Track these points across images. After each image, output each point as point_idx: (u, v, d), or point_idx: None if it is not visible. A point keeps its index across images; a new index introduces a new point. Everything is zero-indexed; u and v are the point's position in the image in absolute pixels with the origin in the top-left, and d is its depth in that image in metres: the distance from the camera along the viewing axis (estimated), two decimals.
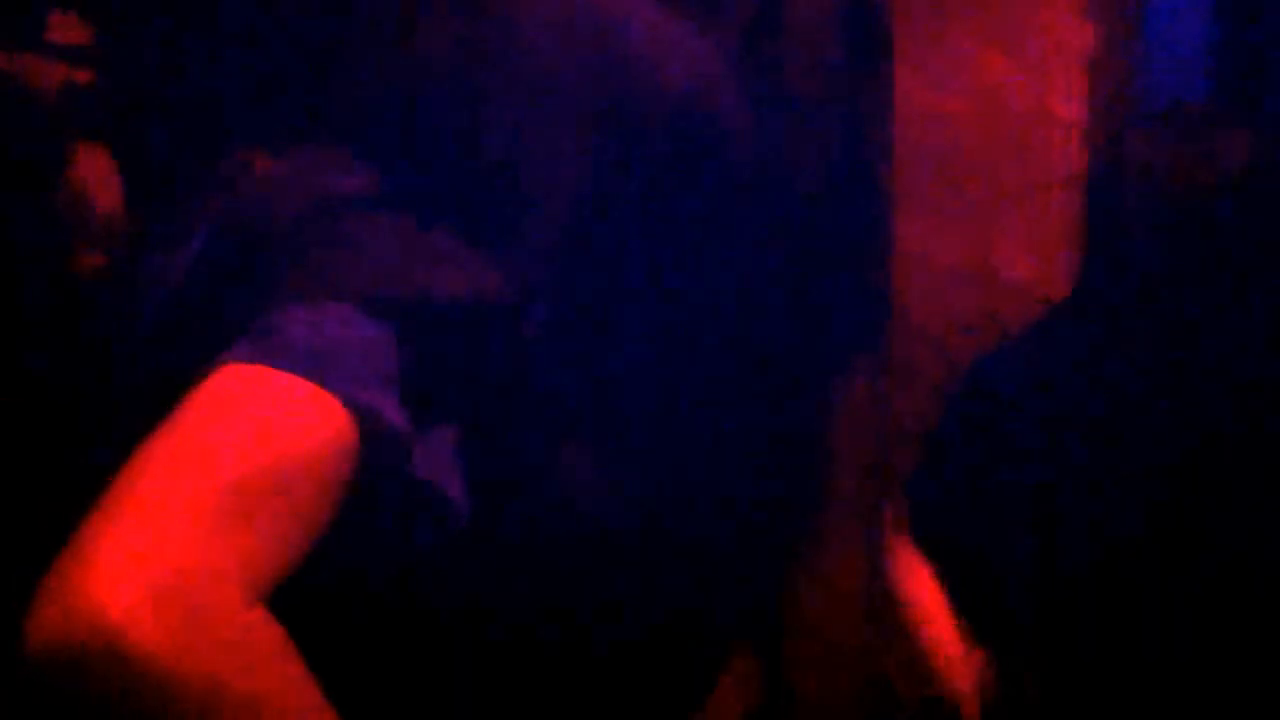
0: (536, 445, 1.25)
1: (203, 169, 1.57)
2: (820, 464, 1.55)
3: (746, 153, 1.34)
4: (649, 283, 1.30)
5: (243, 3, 1.44)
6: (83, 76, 2.36)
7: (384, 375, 1.18)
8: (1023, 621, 2.06)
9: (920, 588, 2.10)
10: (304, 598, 1.14)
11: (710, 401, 1.33)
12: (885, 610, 2.12)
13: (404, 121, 1.31)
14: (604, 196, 1.28)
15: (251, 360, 1.15)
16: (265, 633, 1.10)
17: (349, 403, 1.15)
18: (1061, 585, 2.03)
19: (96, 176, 2.16)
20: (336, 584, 1.18)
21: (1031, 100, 2.70)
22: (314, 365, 1.16)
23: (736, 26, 1.46)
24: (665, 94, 1.30)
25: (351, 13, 1.36)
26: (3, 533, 1.35)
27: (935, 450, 2.13)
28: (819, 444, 1.51)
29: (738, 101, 1.34)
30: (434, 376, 1.20)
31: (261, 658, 1.10)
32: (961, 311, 2.37)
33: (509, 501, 1.23)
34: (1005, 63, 2.72)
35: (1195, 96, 3.33)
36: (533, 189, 1.27)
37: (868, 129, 2.12)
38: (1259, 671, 1.95)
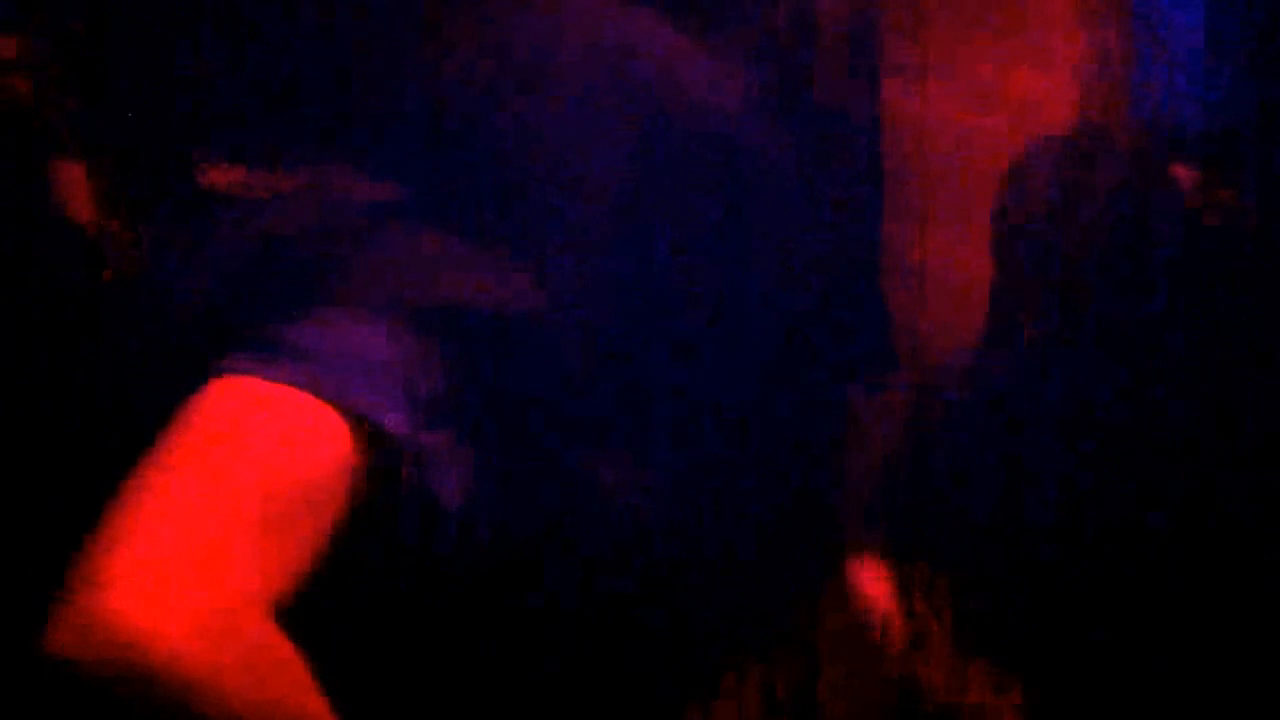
0: (560, 449, 1.25)
1: (219, 178, 1.58)
2: (846, 471, 1.54)
3: (770, 164, 1.34)
4: (675, 291, 1.30)
5: (266, 12, 1.45)
6: (23, 86, 2.37)
7: (390, 381, 1.17)
8: (1015, 625, 2.06)
9: (872, 581, 2.11)
10: (304, 602, 1.14)
11: (739, 407, 1.33)
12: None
13: (428, 131, 1.32)
14: (629, 207, 1.28)
15: (259, 372, 1.15)
16: (286, 651, 1.11)
17: (351, 414, 1.15)
18: (1060, 595, 2.03)
19: (69, 188, 2.17)
20: (336, 588, 1.17)
21: (1063, 115, 2.71)
22: (319, 377, 1.15)
23: (764, 36, 1.47)
24: (688, 106, 1.31)
25: (377, 23, 1.37)
26: (16, 535, 1.36)
27: (943, 455, 2.14)
28: (845, 451, 1.51)
29: (761, 114, 1.35)
30: (445, 382, 1.20)
31: (284, 676, 1.10)
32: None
33: (535, 507, 1.24)
34: (1037, 78, 2.74)
35: (1219, 114, 3.35)
36: (558, 199, 1.27)
37: (881, 136, 2.14)
38: (1246, 669, 1.96)
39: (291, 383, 1.14)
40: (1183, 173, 2.87)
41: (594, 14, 1.33)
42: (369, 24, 1.39)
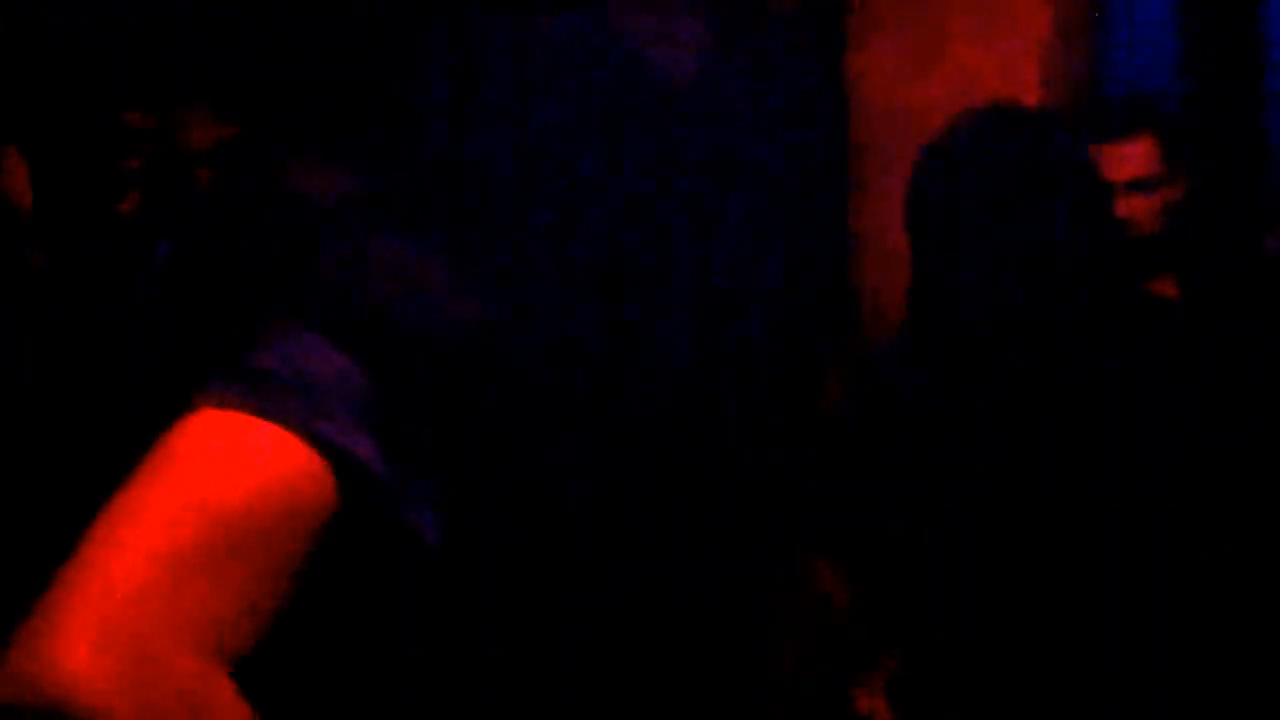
0: (521, 458, 1.24)
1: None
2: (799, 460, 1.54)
3: (748, 147, 1.33)
4: (652, 284, 1.29)
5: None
6: None
7: (356, 410, 1.16)
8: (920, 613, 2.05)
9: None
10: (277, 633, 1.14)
11: (711, 399, 1.33)
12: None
13: (424, 126, 1.29)
14: (615, 198, 1.27)
15: (224, 404, 1.13)
16: (224, 698, 1.11)
17: (324, 448, 1.13)
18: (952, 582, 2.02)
19: (8, 177, 2.17)
20: (308, 621, 1.17)
21: (1005, 90, 2.72)
22: (289, 409, 1.14)
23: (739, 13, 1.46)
24: (672, 92, 1.30)
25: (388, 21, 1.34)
26: None
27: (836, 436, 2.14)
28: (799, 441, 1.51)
29: (739, 92, 1.34)
30: (412, 409, 1.18)
31: None
32: None
33: (505, 519, 1.23)
34: (975, 53, 2.75)
35: (1157, 84, 3.38)
36: (534, 198, 1.26)
37: (833, 111, 2.12)
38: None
39: (268, 415, 1.12)
40: (1141, 148, 2.89)
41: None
42: (381, 22, 1.36)
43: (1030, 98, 2.76)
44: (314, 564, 1.13)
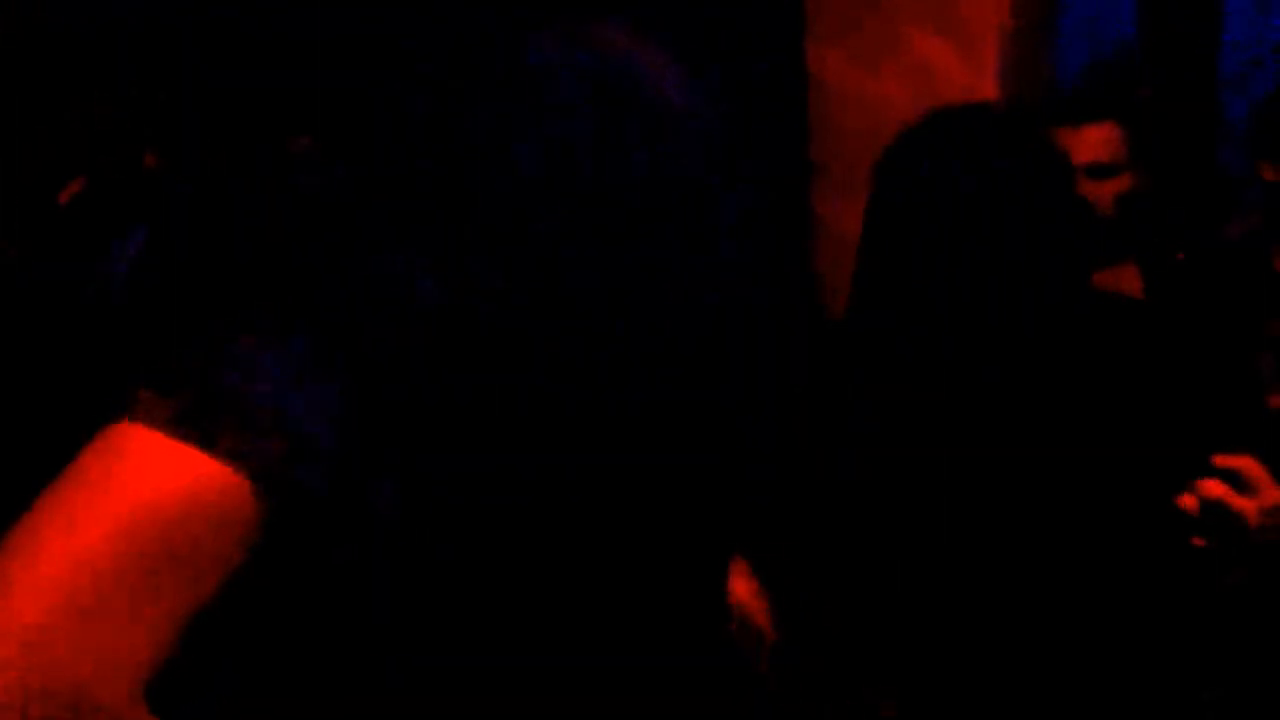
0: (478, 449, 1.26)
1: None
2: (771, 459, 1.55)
3: (727, 159, 1.35)
4: (625, 289, 1.30)
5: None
6: None
7: (309, 402, 1.16)
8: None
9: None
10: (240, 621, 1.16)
11: (679, 395, 1.34)
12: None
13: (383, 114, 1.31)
14: (594, 206, 1.28)
15: (146, 419, 1.13)
16: None
17: (256, 472, 1.13)
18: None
19: None
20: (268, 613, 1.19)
21: (962, 79, 2.74)
22: (212, 423, 1.13)
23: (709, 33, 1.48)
24: (658, 113, 1.31)
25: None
26: None
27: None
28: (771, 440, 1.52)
29: (716, 105, 1.36)
30: (384, 412, 1.19)
31: None
32: None
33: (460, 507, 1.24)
34: (936, 43, 2.76)
35: (1114, 74, 3.41)
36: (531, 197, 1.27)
37: (790, 108, 2.14)
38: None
39: (196, 439, 1.13)
40: (1101, 134, 2.91)
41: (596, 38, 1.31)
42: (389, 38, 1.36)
43: (989, 87, 2.78)
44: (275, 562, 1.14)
